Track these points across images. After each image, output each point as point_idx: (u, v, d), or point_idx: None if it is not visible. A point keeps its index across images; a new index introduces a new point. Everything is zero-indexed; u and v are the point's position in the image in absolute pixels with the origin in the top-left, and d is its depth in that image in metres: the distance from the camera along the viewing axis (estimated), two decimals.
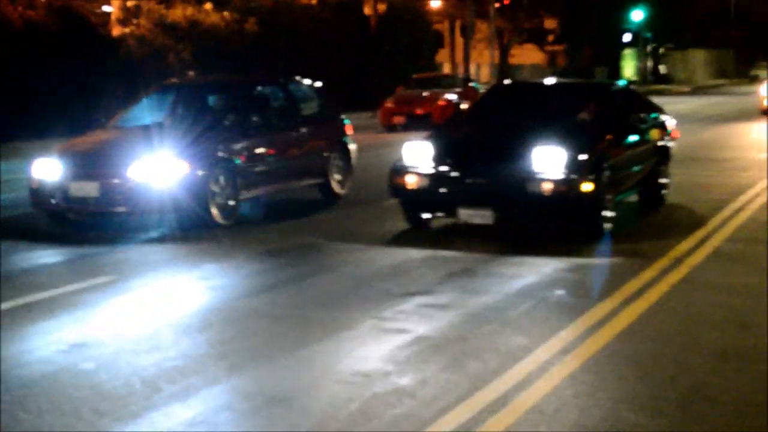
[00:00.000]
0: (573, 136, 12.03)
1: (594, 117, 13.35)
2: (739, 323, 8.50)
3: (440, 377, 7.01)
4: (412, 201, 12.41)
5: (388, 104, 32.94)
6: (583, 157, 11.55)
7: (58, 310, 9.17)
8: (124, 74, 18.51)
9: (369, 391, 6.69)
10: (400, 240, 12.35)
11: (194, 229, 12.53)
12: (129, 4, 31.90)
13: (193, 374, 7.14)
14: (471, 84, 36.80)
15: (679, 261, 11.00)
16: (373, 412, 6.32)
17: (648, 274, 10.33)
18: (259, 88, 15.16)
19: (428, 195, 12.08)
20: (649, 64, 76.89)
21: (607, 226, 12.07)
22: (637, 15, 67.78)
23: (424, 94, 33.03)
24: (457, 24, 59.37)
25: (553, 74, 64.26)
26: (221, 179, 12.75)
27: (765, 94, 37.30)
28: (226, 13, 34.94)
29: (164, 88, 15.36)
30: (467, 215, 11.75)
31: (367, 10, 46.56)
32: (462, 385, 6.82)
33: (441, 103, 31.44)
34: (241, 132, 13.57)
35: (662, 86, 72.71)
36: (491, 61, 58.73)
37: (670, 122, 15.73)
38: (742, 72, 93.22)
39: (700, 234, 12.63)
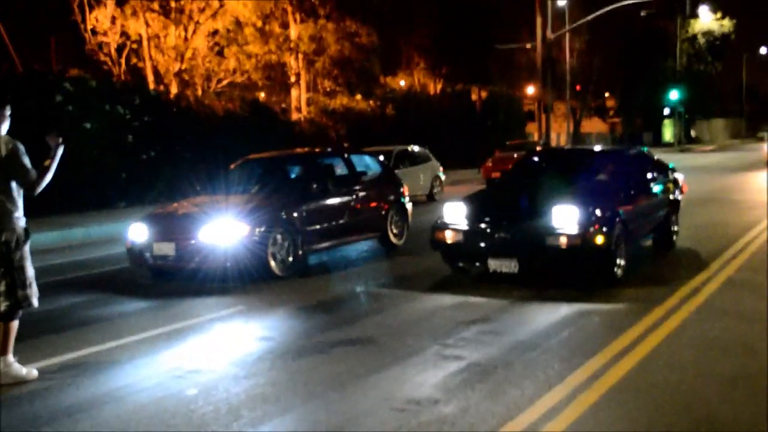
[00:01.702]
0: (589, 195, 10.11)
1: (610, 177, 11.29)
2: (749, 349, 6.86)
3: (481, 405, 5.58)
4: (450, 253, 10.49)
5: (488, 163, 31.59)
6: (596, 213, 9.55)
7: (173, 342, 7.98)
8: (296, 147, 17.73)
9: (416, 420, 5.32)
10: (445, 286, 10.18)
11: (255, 282, 10.58)
12: (303, 97, 31.60)
13: (272, 402, 5.85)
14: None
15: (697, 290, 9.34)
16: None
17: (671, 302, 8.68)
18: (323, 159, 13.25)
19: (463, 248, 10.19)
20: (683, 129, 73.72)
21: (620, 272, 9.83)
22: (674, 95, 65.32)
23: (515, 155, 31.64)
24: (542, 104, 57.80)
25: (612, 140, 62.65)
26: (280, 238, 10.99)
27: (767, 151, 35.65)
28: (371, 102, 34.41)
29: (244, 162, 13.35)
30: (496, 264, 9.84)
31: (474, 96, 45.68)
32: (498, 414, 5.40)
33: None
34: (304, 197, 11.75)
35: (692, 145, 70.81)
36: (567, 131, 56.98)
37: (680, 178, 13.29)
38: (751, 134, 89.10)
39: (715, 266, 10.88)
